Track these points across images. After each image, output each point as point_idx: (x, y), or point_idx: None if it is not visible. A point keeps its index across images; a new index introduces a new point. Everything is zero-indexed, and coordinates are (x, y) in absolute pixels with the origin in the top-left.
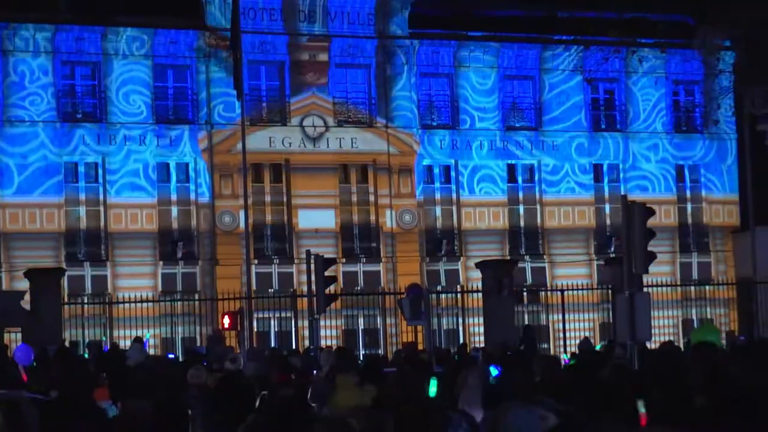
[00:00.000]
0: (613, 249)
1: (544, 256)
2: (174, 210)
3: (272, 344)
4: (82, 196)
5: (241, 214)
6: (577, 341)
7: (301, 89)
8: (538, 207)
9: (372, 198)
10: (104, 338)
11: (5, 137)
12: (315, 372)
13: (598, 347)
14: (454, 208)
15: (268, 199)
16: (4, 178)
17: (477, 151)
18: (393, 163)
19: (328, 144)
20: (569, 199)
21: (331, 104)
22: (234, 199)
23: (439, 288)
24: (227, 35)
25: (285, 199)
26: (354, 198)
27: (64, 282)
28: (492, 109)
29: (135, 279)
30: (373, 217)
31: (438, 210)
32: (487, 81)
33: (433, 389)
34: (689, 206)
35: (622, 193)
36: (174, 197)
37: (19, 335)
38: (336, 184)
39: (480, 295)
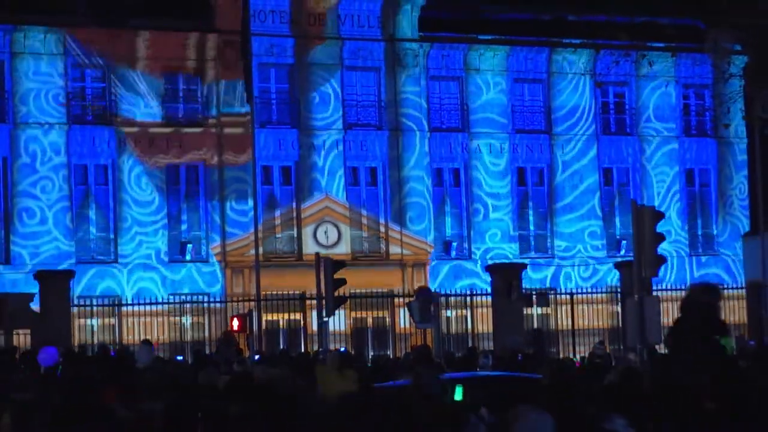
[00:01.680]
0: (623, 252)
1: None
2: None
3: (281, 346)
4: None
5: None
6: (589, 344)
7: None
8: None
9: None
10: (111, 345)
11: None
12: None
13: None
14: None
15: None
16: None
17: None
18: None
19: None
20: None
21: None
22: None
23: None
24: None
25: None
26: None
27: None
28: (501, 112)
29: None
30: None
31: None
32: (497, 84)
33: (458, 395)
34: (699, 210)
35: (632, 198)
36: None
37: (29, 337)
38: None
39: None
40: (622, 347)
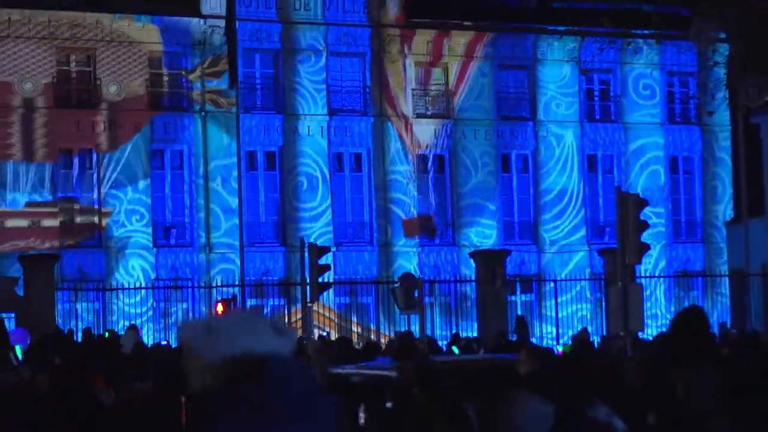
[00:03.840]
0: (607, 239)
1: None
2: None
3: None
4: None
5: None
6: (572, 332)
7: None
8: None
9: None
10: (89, 326)
11: None
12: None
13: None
14: None
15: None
16: None
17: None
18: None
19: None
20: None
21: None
22: None
23: (432, 277)
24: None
25: None
26: None
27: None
28: (487, 100)
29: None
30: None
31: None
32: (482, 70)
33: None
34: (682, 198)
35: (616, 185)
36: None
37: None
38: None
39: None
40: (605, 334)
